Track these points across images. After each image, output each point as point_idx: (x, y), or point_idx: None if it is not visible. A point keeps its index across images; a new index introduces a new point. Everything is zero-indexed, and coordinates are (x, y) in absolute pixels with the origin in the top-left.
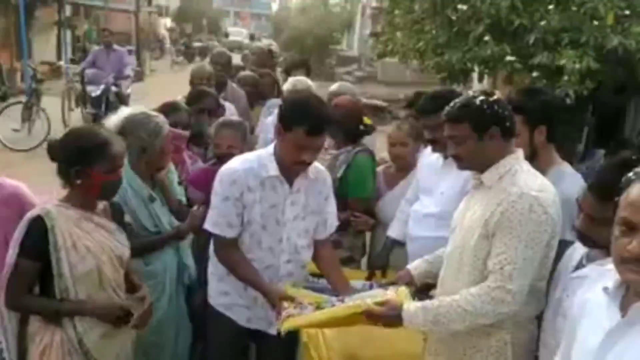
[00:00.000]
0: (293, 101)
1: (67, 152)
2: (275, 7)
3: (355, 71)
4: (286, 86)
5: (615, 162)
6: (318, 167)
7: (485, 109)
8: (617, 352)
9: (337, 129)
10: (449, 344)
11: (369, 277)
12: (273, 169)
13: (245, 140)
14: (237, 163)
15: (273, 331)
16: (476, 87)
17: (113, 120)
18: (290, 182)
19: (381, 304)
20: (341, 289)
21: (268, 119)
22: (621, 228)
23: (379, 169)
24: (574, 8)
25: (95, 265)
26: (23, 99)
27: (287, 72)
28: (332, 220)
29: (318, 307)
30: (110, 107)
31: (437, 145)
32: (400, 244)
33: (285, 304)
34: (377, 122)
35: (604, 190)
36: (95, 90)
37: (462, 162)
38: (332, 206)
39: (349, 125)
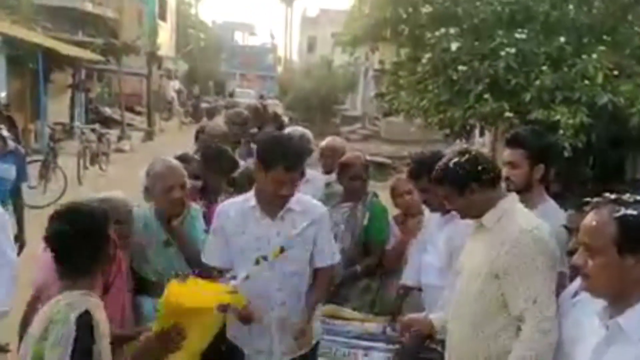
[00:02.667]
0: (271, 140)
1: (92, 240)
2: (280, 69)
3: (359, 129)
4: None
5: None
6: (308, 200)
7: (458, 170)
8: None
9: (354, 184)
10: None
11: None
12: (252, 201)
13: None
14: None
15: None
16: (478, 141)
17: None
18: (273, 213)
19: None
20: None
21: None
22: None
23: (391, 217)
24: (565, 68)
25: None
26: (37, 158)
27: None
28: (331, 251)
29: None
30: None
31: (430, 205)
32: (412, 289)
33: None
34: (381, 178)
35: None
36: None
37: (460, 215)
38: (327, 237)
39: (362, 181)
